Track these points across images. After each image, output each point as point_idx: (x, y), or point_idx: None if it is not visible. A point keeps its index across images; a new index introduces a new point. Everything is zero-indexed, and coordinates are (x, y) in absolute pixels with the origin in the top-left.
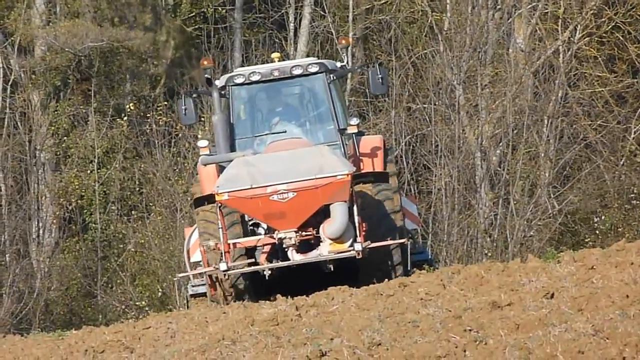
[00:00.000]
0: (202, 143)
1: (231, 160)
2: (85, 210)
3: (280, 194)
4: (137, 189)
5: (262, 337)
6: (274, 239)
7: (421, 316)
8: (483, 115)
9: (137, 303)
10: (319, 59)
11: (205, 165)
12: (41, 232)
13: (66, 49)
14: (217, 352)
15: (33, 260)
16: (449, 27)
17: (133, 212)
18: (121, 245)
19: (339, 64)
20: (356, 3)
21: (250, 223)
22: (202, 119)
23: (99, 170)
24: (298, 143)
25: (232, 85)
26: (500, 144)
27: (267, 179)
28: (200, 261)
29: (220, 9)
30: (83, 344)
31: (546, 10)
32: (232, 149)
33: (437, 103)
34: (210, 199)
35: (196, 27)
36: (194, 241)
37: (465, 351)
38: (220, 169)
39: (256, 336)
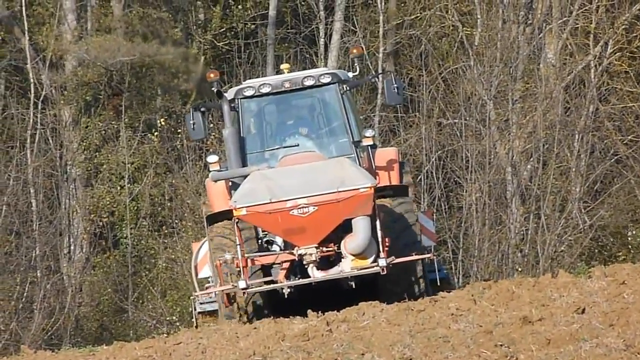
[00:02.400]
0: (212, 158)
1: (243, 176)
2: (116, 226)
3: (300, 208)
4: (168, 204)
5: (293, 352)
6: (294, 255)
7: (452, 331)
8: (514, 130)
9: (168, 318)
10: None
11: (216, 181)
12: (72, 247)
13: (97, 64)
14: None
15: (64, 276)
16: (479, 42)
17: (163, 227)
18: (152, 261)
19: (351, 74)
20: (387, 18)
21: (264, 239)
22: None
23: (130, 186)
24: (311, 157)
25: (241, 98)
26: (531, 159)
27: (286, 193)
28: (209, 277)
29: (250, 24)
30: (114, 359)
31: (577, 25)
32: (244, 163)
33: (467, 118)
34: (223, 215)
35: (227, 42)
36: (201, 257)
37: None
38: (232, 184)
39: (287, 351)
